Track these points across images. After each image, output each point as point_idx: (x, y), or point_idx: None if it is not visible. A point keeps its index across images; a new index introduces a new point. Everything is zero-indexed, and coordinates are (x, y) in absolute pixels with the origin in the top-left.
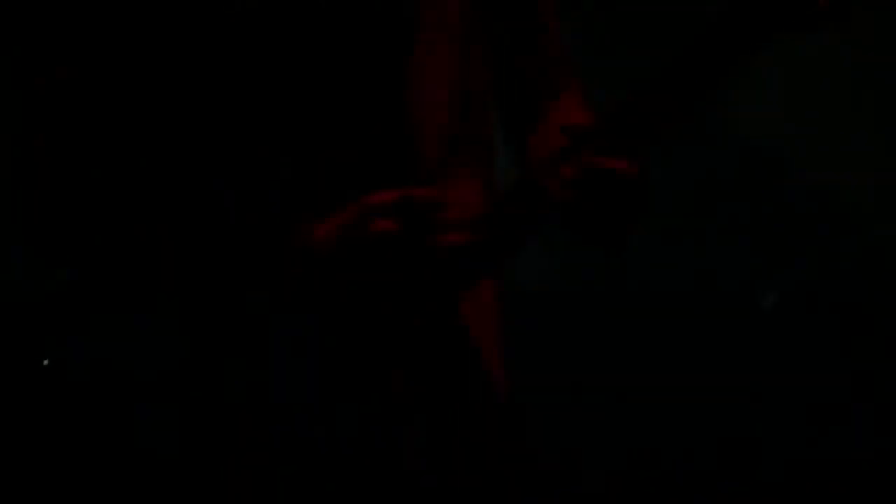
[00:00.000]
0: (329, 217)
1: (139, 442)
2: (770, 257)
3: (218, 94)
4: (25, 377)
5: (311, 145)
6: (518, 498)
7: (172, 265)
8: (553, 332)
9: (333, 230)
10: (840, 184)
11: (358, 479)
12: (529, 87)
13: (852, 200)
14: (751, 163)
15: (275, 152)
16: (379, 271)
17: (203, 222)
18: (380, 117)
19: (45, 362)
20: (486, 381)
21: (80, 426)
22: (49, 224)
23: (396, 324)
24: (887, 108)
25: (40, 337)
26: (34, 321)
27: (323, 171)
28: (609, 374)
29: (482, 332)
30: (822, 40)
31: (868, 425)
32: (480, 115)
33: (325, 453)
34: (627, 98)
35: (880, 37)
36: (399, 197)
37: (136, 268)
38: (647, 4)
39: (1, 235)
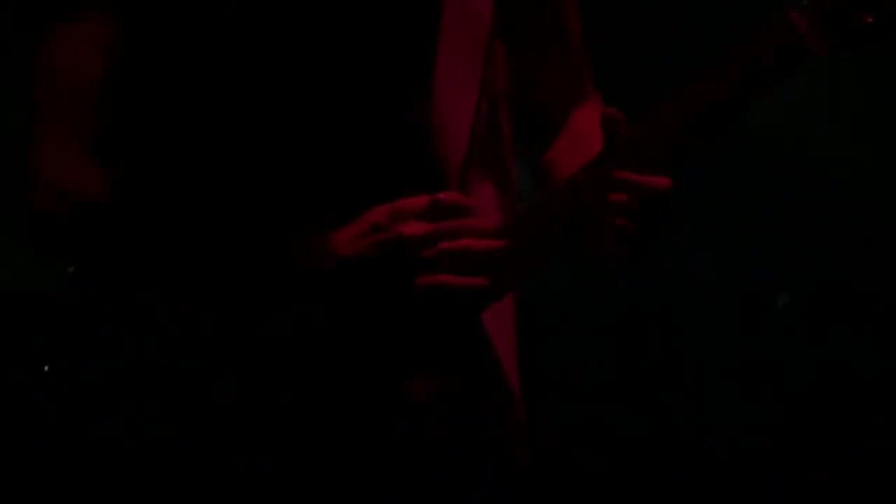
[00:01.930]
0: (351, 221)
1: (137, 442)
2: (784, 257)
3: (235, 95)
4: (25, 378)
5: (330, 149)
6: None
7: (183, 267)
8: (561, 333)
9: (358, 232)
10: (856, 183)
11: (370, 483)
12: (549, 94)
13: (868, 200)
14: (765, 163)
15: (293, 156)
16: (406, 274)
17: (218, 226)
18: (402, 121)
19: (46, 367)
20: (503, 389)
21: (79, 427)
22: (55, 220)
23: (416, 328)
24: None
25: (41, 337)
26: (35, 319)
27: (342, 175)
28: (621, 375)
29: (499, 338)
30: None
31: (882, 425)
32: (502, 119)
33: (338, 457)
34: (664, 109)
35: None
36: (429, 201)
37: (144, 267)
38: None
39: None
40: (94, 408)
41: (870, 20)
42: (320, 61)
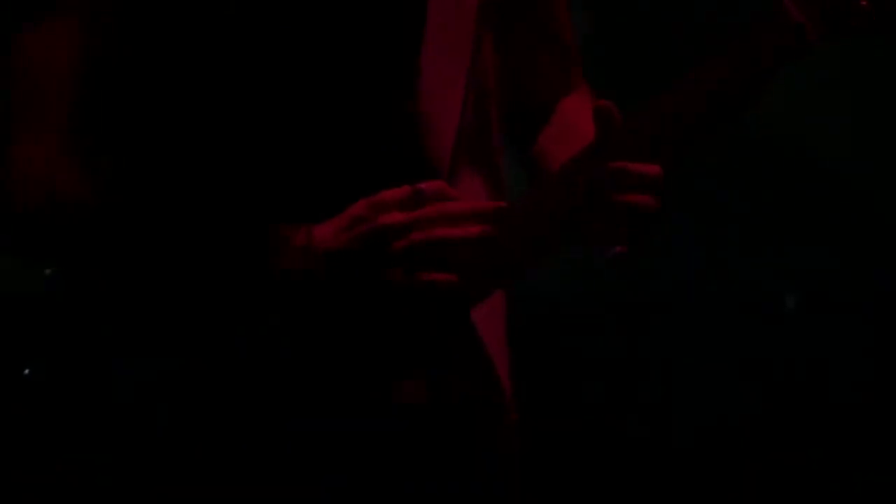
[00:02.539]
0: (332, 216)
1: (130, 446)
2: (792, 257)
3: (217, 89)
4: (5, 380)
5: (315, 142)
6: None
7: (167, 266)
8: (560, 333)
9: (340, 227)
10: (865, 182)
11: (362, 485)
12: (538, 85)
13: (877, 199)
14: (772, 161)
15: (277, 151)
16: (390, 267)
17: (201, 223)
18: (389, 113)
19: (26, 371)
20: (494, 388)
21: (60, 428)
22: (37, 220)
23: (405, 325)
24: None
25: (21, 339)
26: (14, 322)
27: (327, 169)
28: (620, 377)
29: (490, 337)
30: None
31: (889, 427)
32: (491, 111)
33: (327, 459)
34: (661, 98)
35: None
36: (411, 191)
37: (128, 267)
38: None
39: None
40: (77, 410)
41: (864, 4)
42: (305, 53)
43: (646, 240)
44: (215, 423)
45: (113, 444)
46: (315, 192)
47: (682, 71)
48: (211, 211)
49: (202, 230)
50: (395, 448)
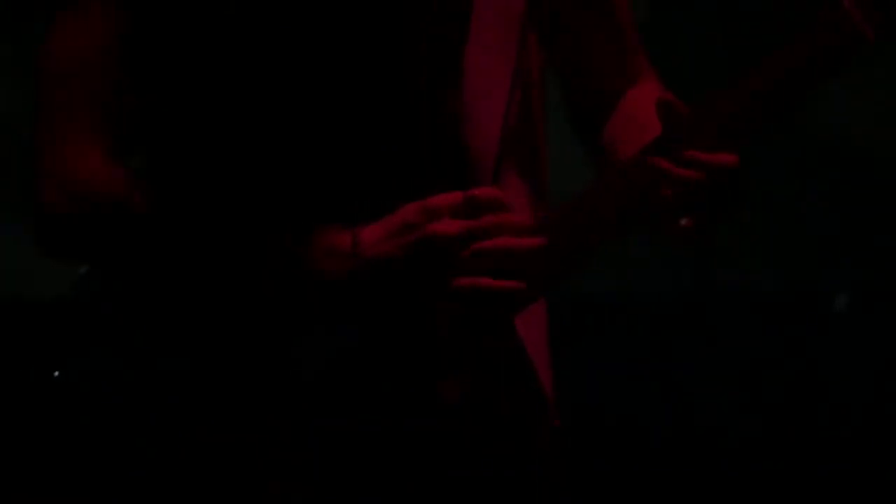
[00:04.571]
0: (379, 218)
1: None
2: (842, 258)
3: (260, 88)
4: (32, 385)
5: (359, 142)
6: None
7: (206, 270)
8: (601, 336)
9: (388, 232)
10: None
11: (400, 483)
12: (601, 77)
13: None
14: (825, 161)
15: (319, 151)
16: (440, 275)
17: (239, 226)
18: (433, 112)
19: (56, 373)
20: (536, 394)
21: (90, 435)
22: (70, 221)
23: (449, 329)
24: None
25: (49, 342)
26: (43, 323)
27: (370, 169)
28: (675, 375)
29: (532, 342)
30: None
31: None
32: (536, 109)
33: (368, 464)
34: (729, 88)
35: None
36: (464, 198)
37: (164, 269)
38: None
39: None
40: (106, 413)
41: None
42: (351, 52)
43: (717, 224)
44: (255, 424)
45: (150, 445)
46: (360, 191)
47: (737, 63)
48: (254, 213)
49: (244, 232)
50: (436, 450)
